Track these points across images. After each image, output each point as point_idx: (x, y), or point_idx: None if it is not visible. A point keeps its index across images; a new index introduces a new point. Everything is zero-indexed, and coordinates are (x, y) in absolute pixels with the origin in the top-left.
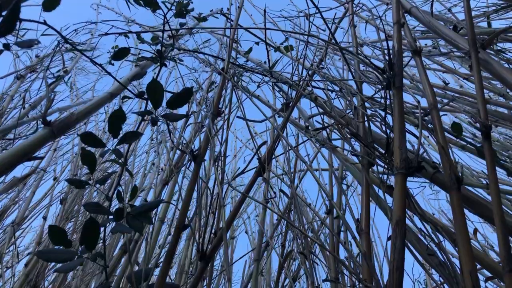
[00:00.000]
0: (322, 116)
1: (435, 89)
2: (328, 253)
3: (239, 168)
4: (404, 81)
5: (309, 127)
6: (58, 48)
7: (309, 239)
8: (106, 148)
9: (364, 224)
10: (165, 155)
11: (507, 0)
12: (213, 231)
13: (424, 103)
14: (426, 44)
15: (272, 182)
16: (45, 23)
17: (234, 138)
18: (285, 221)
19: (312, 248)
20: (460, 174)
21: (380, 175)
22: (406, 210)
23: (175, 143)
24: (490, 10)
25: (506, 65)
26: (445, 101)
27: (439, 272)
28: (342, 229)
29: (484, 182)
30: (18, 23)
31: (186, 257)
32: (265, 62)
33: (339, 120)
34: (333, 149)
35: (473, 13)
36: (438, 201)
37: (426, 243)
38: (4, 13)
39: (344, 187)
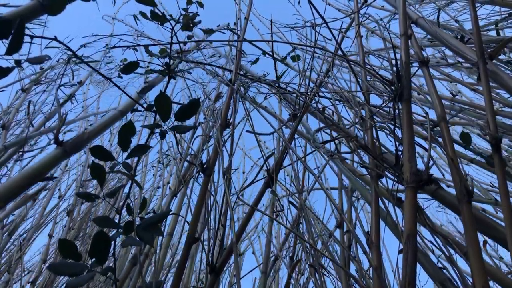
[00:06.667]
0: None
1: (443, 101)
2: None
3: (247, 179)
4: (412, 92)
5: (316, 140)
6: (67, 62)
7: (319, 253)
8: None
9: (374, 236)
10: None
11: None
12: (223, 245)
13: (432, 114)
14: (434, 55)
15: (280, 193)
16: (56, 39)
17: (243, 155)
18: (294, 234)
19: (321, 260)
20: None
21: (390, 188)
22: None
23: (183, 155)
24: (495, 19)
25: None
26: (454, 112)
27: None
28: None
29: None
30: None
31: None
32: (267, 74)
33: (347, 132)
34: (341, 160)
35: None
36: (445, 214)
37: (437, 258)
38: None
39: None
